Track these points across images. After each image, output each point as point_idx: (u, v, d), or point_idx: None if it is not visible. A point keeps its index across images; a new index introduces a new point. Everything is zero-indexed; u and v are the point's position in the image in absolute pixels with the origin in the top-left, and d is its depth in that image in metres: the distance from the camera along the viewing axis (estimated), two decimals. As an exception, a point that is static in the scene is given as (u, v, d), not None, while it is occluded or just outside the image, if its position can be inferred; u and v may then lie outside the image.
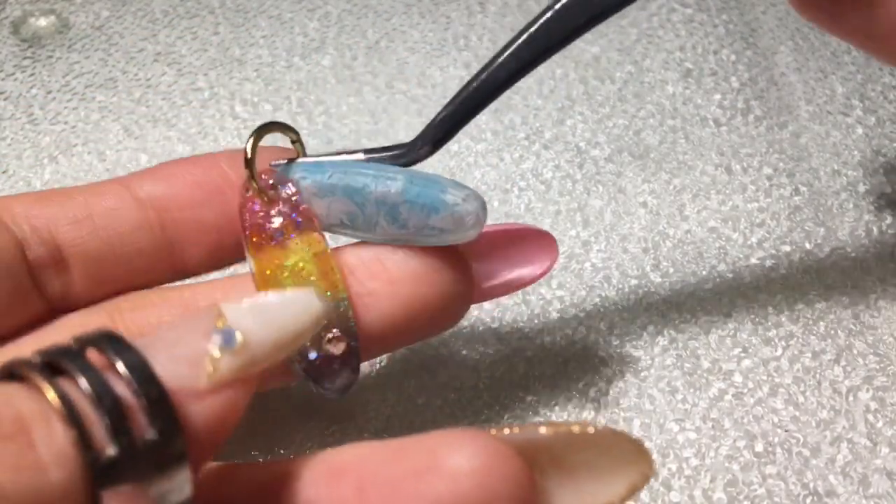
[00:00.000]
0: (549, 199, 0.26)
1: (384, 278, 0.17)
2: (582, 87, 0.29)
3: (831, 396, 0.21)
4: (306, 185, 0.17)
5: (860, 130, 0.27)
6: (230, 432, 0.13)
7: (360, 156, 0.18)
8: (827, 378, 0.21)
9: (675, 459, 0.20)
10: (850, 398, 0.21)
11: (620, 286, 0.23)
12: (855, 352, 0.22)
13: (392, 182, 0.17)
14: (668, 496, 0.19)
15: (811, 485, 0.19)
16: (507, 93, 0.30)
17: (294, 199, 0.17)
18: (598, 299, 0.23)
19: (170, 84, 0.29)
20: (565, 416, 0.21)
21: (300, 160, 0.18)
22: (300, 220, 0.17)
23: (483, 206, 0.17)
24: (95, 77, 0.30)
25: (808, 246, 0.24)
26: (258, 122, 0.28)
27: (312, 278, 0.17)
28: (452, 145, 0.27)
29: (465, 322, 0.23)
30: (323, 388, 0.17)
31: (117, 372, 0.12)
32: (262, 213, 0.17)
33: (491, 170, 0.26)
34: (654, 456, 0.20)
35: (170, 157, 0.27)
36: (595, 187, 0.26)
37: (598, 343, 0.22)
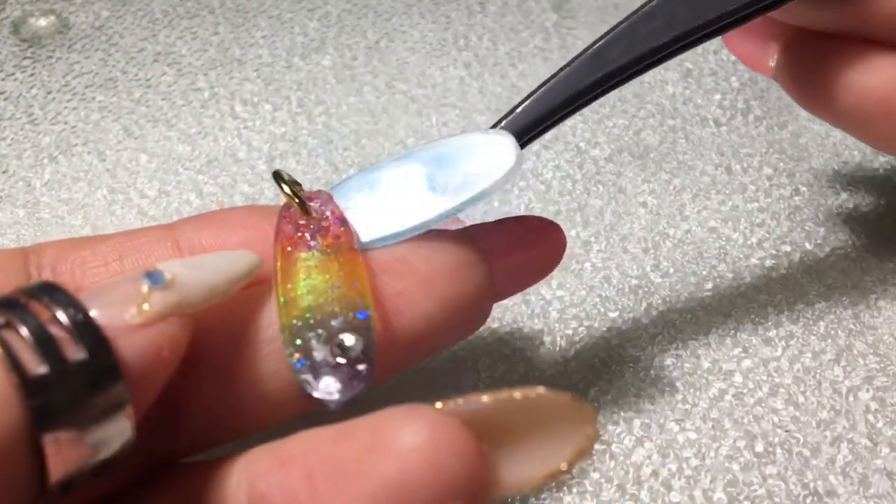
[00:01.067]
0: (549, 199, 0.26)
1: (416, 277, 0.16)
2: (582, 87, 0.29)
3: (831, 396, 0.21)
4: (342, 213, 0.17)
5: (860, 130, 0.27)
6: (168, 371, 0.13)
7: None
8: (827, 378, 0.21)
9: (674, 459, 0.20)
10: (851, 398, 0.21)
11: (620, 286, 0.23)
12: (855, 352, 0.22)
13: (414, 161, 0.17)
14: (668, 496, 0.19)
15: (811, 485, 0.19)
16: (507, 92, 0.30)
17: (331, 218, 0.17)
18: (597, 299, 0.23)
19: (170, 84, 0.29)
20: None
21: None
22: (336, 235, 0.16)
23: (517, 146, 0.16)
24: (95, 77, 0.29)
25: (808, 246, 0.24)
26: (258, 123, 0.28)
27: (338, 285, 0.16)
28: (452, 145, 0.27)
29: (465, 322, 0.23)
30: (322, 396, 0.14)
31: (58, 320, 0.12)
32: (299, 225, 0.17)
33: (491, 170, 0.26)
34: (654, 456, 0.20)
35: (170, 157, 0.27)
36: (595, 187, 0.26)
37: (598, 343, 0.22)
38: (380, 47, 0.30)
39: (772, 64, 0.20)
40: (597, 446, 0.20)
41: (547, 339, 0.22)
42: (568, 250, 0.24)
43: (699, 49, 0.29)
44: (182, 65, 0.30)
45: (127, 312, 0.13)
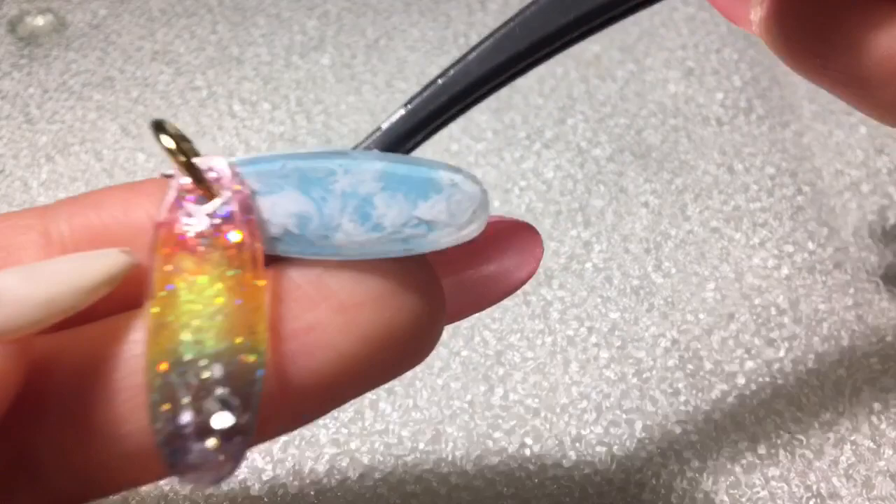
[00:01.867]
0: (550, 199, 0.25)
1: (331, 305, 0.12)
2: (583, 86, 0.28)
3: (834, 397, 0.21)
4: (247, 180, 0.12)
5: (863, 130, 0.27)
6: (3, 406, 0.11)
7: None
8: (830, 379, 0.21)
9: (677, 461, 0.20)
10: (854, 399, 0.21)
11: (622, 287, 0.23)
12: (858, 353, 0.22)
13: (368, 164, 0.12)
14: (670, 498, 0.19)
15: (814, 487, 0.19)
16: (508, 92, 0.30)
17: (235, 201, 0.12)
18: (599, 300, 0.23)
19: (167, 83, 0.29)
20: (567, 417, 0.21)
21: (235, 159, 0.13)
22: (237, 234, 0.12)
23: (486, 193, 0.13)
24: (93, 76, 0.29)
25: (810, 246, 0.24)
26: (256, 122, 0.28)
27: (226, 312, 0.12)
28: (452, 145, 0.27)
29: (465, 322, 0.22)
30: (182, 471, 0.11)
31: None
32: (188, 212, 0.12)
33: (491, 169, 0.26)
34: (656, 458, 0.20)
35: (167, 157, 0.27)
36: (596, 187, 0.26)
37: (600, 345, 0.22)
38: (379, 46, 0.30)
39: (754, 17, 0.17)
40: (599, 448, 0.20)
41: (548, 339, 0.22)
42: (569, 250, 0.24)
43: (701, 48, 0.29)
44: (180, 64, 0.30)
45: None
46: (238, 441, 0.11)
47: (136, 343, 0.12)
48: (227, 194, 0.12)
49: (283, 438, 0.20)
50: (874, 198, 0.25)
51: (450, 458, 0.20)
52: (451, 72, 0.13)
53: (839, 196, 0.25)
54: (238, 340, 0.12)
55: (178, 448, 0.11)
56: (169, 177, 0.13)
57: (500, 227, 0.14)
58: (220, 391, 0.11)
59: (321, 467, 0.20)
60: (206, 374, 0.11)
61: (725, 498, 0.19)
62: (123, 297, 0.12)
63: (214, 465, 0.11)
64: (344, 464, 0.20)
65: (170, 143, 0.12)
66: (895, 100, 0.15)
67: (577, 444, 0.20)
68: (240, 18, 0.31)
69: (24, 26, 0.31)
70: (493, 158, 0.26)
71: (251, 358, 0.11)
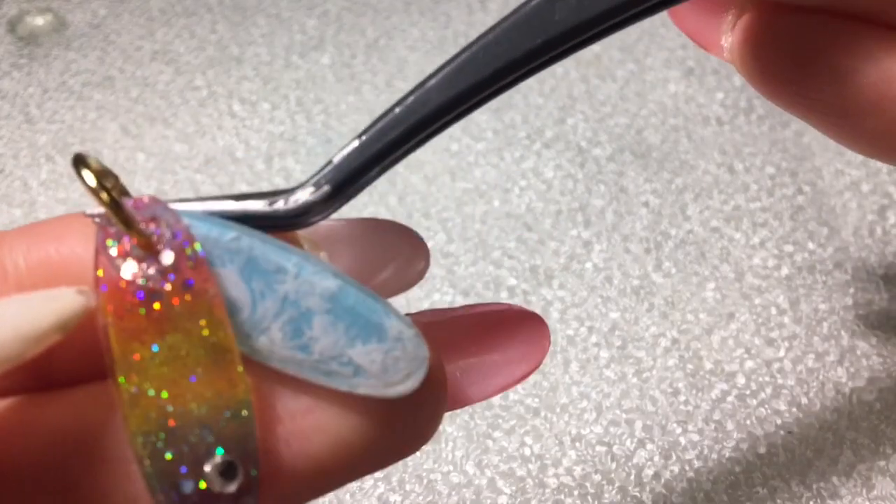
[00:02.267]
0: (550, 199, 0.25)
1: (321, 390, 0.11)
2: (583, 86, 0.28)
3: (834, 398, 0.21)
4: (194, 238, 0.11)
5: (863, 129, 0.27)
6: None
7: (229, 203, 0.12)
8: (830, 379, 0.21)
9: (677, 461, 0.20)
10: (854, 400, 0.21)
11: (622, 287, 0.23)
12: (858, 353, 0.22)
13: (322, 277, 0.11)
14: (670, 498, 0.19)
15: (814, 486, 0.19)
16: (508, 91, 0.30)
17: (176, 246, 0.11)
18: (599, 300, 0.23)
19: (167, 83, 0.29)
20: (567, 417, 0.21)
21: (177, 205, 0.12)
22: (188, 280, 0.11)
23: (426, 360, 0.11)
24: (92, 76, 0.29)
25: (811, 246, 0.24)
26: (256, 121, 0.28)
27: (199, 370, 0.11)
28: (452, 144, 0.27)
29: (465, 323, 0.22)
30: None
31: None
32: (128, 264, 0.11)
33: (491, 169, 0.26)
34: (657, 458, 0.20)
35: (167, 157, 0.27)
36: (596, 187, 0.26)
37: (600, 344, 0.22)
38: (379, 45, 0.30)
39: (725, 43, 0.16)
40: (599, 448, 0.20)
41: (548, 339, 0.22)
42: (569, 250, 0.24)
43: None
44: (180, 63, 0.30)
45: None
46: (249, 500, 0.11)
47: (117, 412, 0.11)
48: (166, 238, 0.11)
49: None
50: (874, 197, 0.25)
51: (450, 457, 0.20)
52: (409, 100, 0.12)
53: (839, 196, 0.25)
54: (221, 396, 0.11)
55: None
56: (94, 217, 0.11)
57: (507, 316, 0.14)
58: (218, 455, 0.11)
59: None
60: (195, 439, 0.11)
61: (725, 498, 0.19)
62: (83, 342, 0.11)
63: None
64: (344, 464, 0.20)
65: (92, 180, 0.11)
66: (875, 132, 0.15)
67: (577, 444, 0.20)
68: (240, 18, 0.31)
69: (24, 26, 0.31)
70: (493, 158, 0.26)
71: (240, 411, 0.11)
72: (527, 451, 0.20)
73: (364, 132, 0.12)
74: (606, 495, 0.19)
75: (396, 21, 0.31)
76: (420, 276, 0.14)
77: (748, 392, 0.21)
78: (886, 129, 0.15)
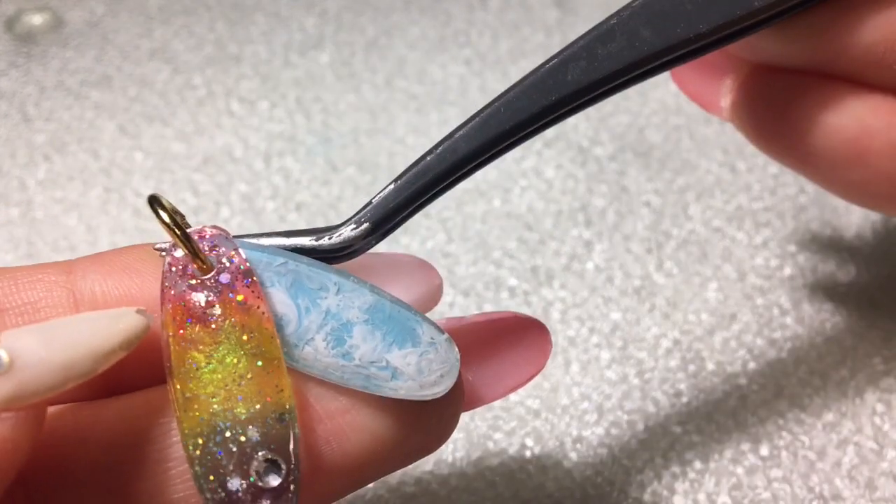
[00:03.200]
0: (551, 199, 0.25)
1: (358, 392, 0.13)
2: (584, 85, 0.28)
3: (837, 398, 0.21)
4: (247, 264, 0.13)
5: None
6: (11, 474, 0.11)
7: (281, 239, 0.13)
8: (833, 380, 0.21)
9: (678, 463, 0.20)
10: (857, 400, 0.21)
11: (623, 287, 0.23)
12: (861, 353, 0.21)
13: (359, 293, 0.13)
14: (672, 499, 0.19)
15: (817, 488, 0.19)
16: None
17: (233, 269, 0.13)
18: (600, 300, 0.23)
19: (165, 81, 0.29)
20: (567, 418, 0.20)
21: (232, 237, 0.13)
22: (242, 299, 0.13)
23: (458, 362, 0.13)
24: (90, 74, 0.29)
25: (813, 246, 0.24)
26: (255, 120, 0.28)
27: (249, 376, 0.12)
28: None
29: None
30: None
31: None
32: (190, 284, 0.13)
33: (492, 168, 0.26)
34: (658, 459, 0.20)
35: (165, 156, 0.27)
36: (598, 186, 0.25)
37: (601, 345, 0.22)
38: (379, 44, 0.30)
39: (724, 104, 0.18)
40: (600, 449, 0.20)
41: (549, 340, 0.22)
42: (570, 250, 0.24)
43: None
44: (178, 62, 0.29)
45: None
46: (289, 497, 0.12)
47: (169, 416, 0.12)
48: (223, 260, 0.13)
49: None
50: (877, 197, 0.25)
51: (450, 459, 0.20)
52: (439, 149, 0.14)
53: (842, 195, 0.25)
54: (267, 401, 0.12)
55: None
56: (162, 251, 0.13)
57: (513, 323, 0.15)
58: (261, 453, 0.12)
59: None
60: (243, 439, 0.12)
61: (728, 499, 0.19)
62: (141, 360, 0.13)
63: None
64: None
65: (167, 217, 0.13)
66: (859, 182, 0.16)
67: (578, 445, 0.20)
68: (238, 16, 0.31)
69: (22, 25, 0.31)
70: (494, 157, 0.26)
71: (284, 416, 0.12)
72: (527, 453, 0.20)
73: (399, 176, 0.14)
74: (608, 497, 0.19)
75: (396, 19, 0.31)
76: (435, 302, 0.15)
77: (750, 392, 0.21)
78: (870, 178, 0.16)
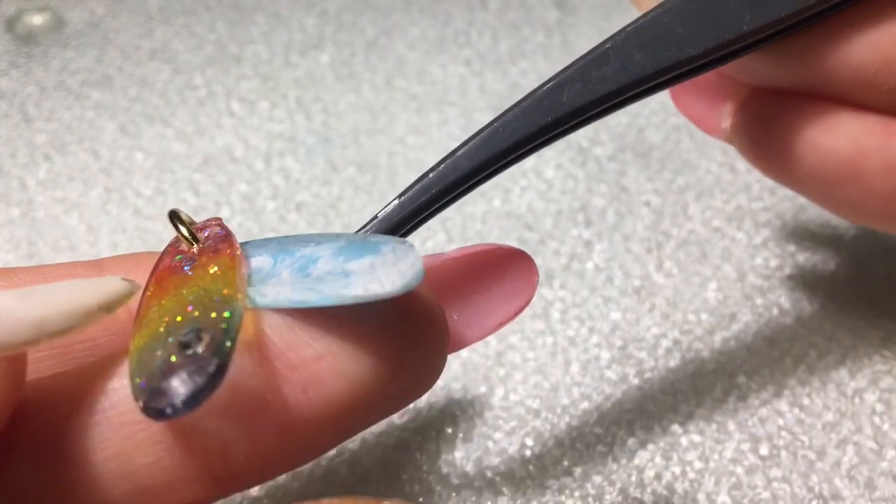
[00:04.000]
0: (551, 199, 0.25)
1: (342, 334, 0.12)
2: (583, 85, 0.28)
3: (837, 398, 0.21)
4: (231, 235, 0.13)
5: (865, 128, 0.26)
6: None
7: None
8: (832, 380, 0.21)
9: (678, 462, 0.20)
10: (856, 400, 0.21)
11: (623, 287, 0.23)
12: (861, 353, 0.21)
13: (336, 240, 0.13)
14: (671, 499, 0.19)
15: (816, 488, 0.19)
16: (508, 90, 0.30)
17: (213, 237, 0.13)
18: (600, 300, 0.23)
19: (166, 82, 0.29)
20: (567, 418, 0.20)
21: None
22: (215, 250, 0.13)
23: (418, 264, 0.12)
24: (90, 75, 0.29)
25: (813, 246, 0.24)
26: (255, 120, 0.28)
27: (199, 293, 0.12)
28: (452, 144, 0.27)
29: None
30: (155, 404, 0.11)
31: None
32: (177, 253, 0.13)
33: (491, 168, 0.26)
34: (658, 459, 0.20)
35: (166, 156, 0.27)
36: (597, 186, 0.26)
37: (601, 345, 0.22)
38: (379, 44, 0.30)
39: (725, 126, 0.18)
40: (599, 448, 0.20)
41: (549, 340, 0.22)
42: (570, 250, 0.24)
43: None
44: (178, 62, 0.29)
45: None
46: (212, 363, 0.11)
47: (118, 377, 0.12)
48: (207, 234, 0.13)
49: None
50: (877, 197, 0.25)
51: (449, 458, 0.20)
52: (441, 167, 0.15)
53: (841, 195, 0.25)
54: (214, 308, 0.12)
55: (150, 391, 0.11)
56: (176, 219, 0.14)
57: (496, 255, 0.14)
58: (187, 336, 0.11)
59: (319, 471, 0.20)
60: (176, 333, 0.12)
61: (727, 499, 0.19)
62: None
63: (183, 387, 0.11)
64: (343, 468, 0.20)
65: (186, 231, 0.13)
66: (855, 201, 0.17)
67: (578, 445, 0.20)
68: (238, 16, 0.31)
69: (22, 25, 0.31)
70: (494, 157, 0.26)
71: (224, 313, 0.12)
72: (527, 453, 0.20)
73: (403, 193, 0.15)
74: (607, 496, 0.19)
75: (396, 20, 0.31)
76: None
77: (750, 392, 0.21)
78: (865, 198, 0.16)
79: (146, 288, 0.13)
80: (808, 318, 0.22)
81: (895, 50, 0.15)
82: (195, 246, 0.13)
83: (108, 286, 0.12)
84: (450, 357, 0.22)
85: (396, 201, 0.14)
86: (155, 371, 0.11)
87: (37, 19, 0.31)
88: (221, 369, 0.11)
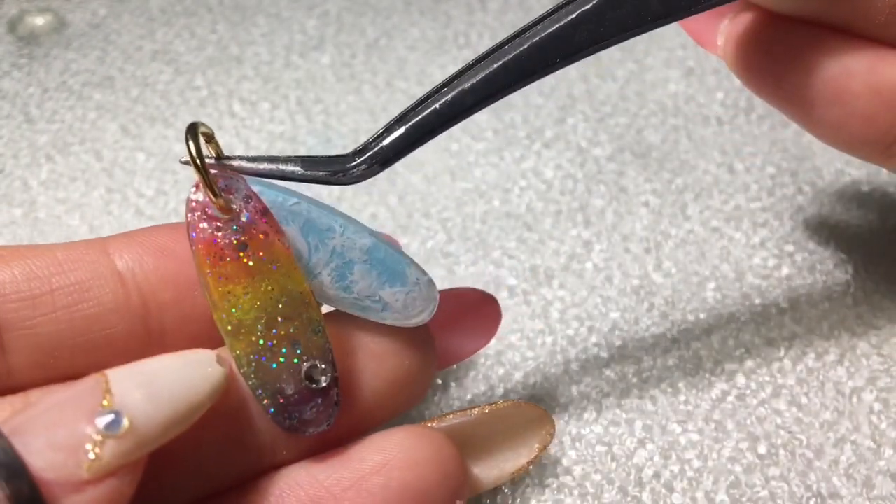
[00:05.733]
0: (550, 199, 0.25)
1: (365, 353, 0.15)
2: (583, 86, 0.28)
3: (835, 398, 0.21)
4: (263, 203, 0.15)
5: (863, 129, 0.27)
6: None
7: (295, 167, 0.15)
8: (830, 379, 0.21)
9: (677, 461, 0.20)
10: (854, 399, 0.21)
11: (622, 286, 0.23)
12: (858, 352, 0.22)
13: (360, 235, 0.15)
14: (670, 498, 0.19)
15: (814, 487, 0.19)
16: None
17: (251, 209, 0.14)
18: (599, 299, 0.23)
19: (167, 83, 0.29)
20: (567, 417, 0.21)
21: (249, 164, 0.15)
22: (264, 235, 0.14)
23: (436, 300, 0.16)
24: (92, 76, 0.29)
25: (811, 246, 0.24)
26: (256, 121, 0.28)
27: (284, 299, 0.14)
28: (452, 144, 0.27)
29: (465, 323, 0.22)
30: (302, 429, 0.14)
31: None
32: (216, 226, 0.14)
33: (491, 169, 0.26)
34: (656, 458, 0.20)
35: (167, 156, 0.27)
36: (596, 186, 0.26)
37: (600, 344, 0.22)
38: (379, 45, 0.30)
39: (720, 41, 0.19)
40: (599, 447, 0.20)
41: (548, 339, 0.22)
42: (569, 250, 0.24)
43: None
44: (180, 63, 0.30)
45: (73, 464, 0.11)
46: (334, 396, 0.14)
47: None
48: (241, 204, 0.14)
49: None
50: (875, 197, 0.25)
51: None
52: (447, 98, 0.15)
53: (840, 196, 0.25)
54: (303, 317, 0.14)
55: (290, 414, 0.14)
56: (186, 163, 0.14)
57: (471, 297, 0.18)
58: (307, 362, 0.14)
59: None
60: (287, 352, 0.14)
61: (726, 498, 0.19)
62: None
63: (321, 417, 0.14)
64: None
65: (193, 149, 0.14)
66: (836, 121, 0.17)
67: (578, 444, 0.20)
68: (240, 18, 0.31)
69: (25, 26, 0.31)
70: (493, 158, 0.26)
71: (319, 328, 0.14)
72: (527, 451, 0.20)
73: (408, 120, 0.15)
74: (606, 495, 0.19)
75: (396, 21, 0.31)
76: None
77: (748, 392, 0.21)
78: (846, 118, 0.17)
79: (198, 265, 0.14)
80: (805, 318, 0.22)
81: None
82: (230, 213, 0.14)
83: (214, 378, 0.13)
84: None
85: (403, 130, 0.15)
86: (288, 396, 0.14)
87: (39, 20, 0.31)
88: (339, 396, 0.15)
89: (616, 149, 0.27)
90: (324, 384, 0.14)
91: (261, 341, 0.14)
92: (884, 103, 0.16)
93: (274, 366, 0.14)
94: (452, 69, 0.29)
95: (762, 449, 0.20)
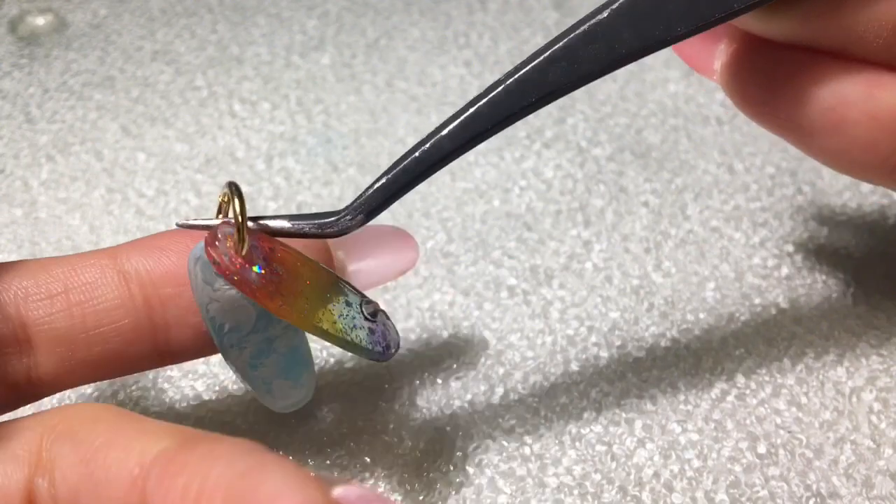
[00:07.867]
0: (550, 199, 0.25)
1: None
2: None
3: (834, 397, 0.21)
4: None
5: (863, 129, 0.27)
6: None
7: (285, 223, 0.16)
8: (830, 379, 0.21)
9: (676, 461, 0.20)
10: (854, 399, 0.21)
11: (622, 286, 0.23)
12: (858, 352, 0.22)
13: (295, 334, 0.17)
14: (670, 497, 0.19)
15: (814, 486, 0.19)
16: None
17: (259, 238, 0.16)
18: (599, 299, 0.23)
19: (168, 83, 0.29)
20: (567, 416, 0.21)
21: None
22: (282, 255, 0.16)
23: (306, 399, 0.18)
24: (93, 76, 0.29)
25: (811, 246, 0.24)
26: (257, 121, 0.28)
27: (331, 289, 0.17)
28: (452, 144, 0.27)
29: (465, 322, 0.22)
30: (393, 352, 0.17)
31: None
32: (252, 276, 0.16)
33: (491, 169, 0.26)
34: (656, 457, 0.20)
35: (168, 157, 0.27)
36: (596, 186, 0.26)
37: (600, 343, 0.22)
38: (379, 45, 0.30)
39: (716, 66, 0.19)
40: (599, 447, 0.20)
41: (548, 339, 0.22)
42: (569, 250, 0.24)
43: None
44: (180, 63, 0.30)
45: None
46: (386, 317, 0.18)
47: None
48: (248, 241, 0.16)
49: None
50: (874, 198, 0.25)
51: (449, 457, 0.20)
52: (426, 146, 0.16)
53: (839, 196, 0.25)
54: (347, 293, 0.17)
55: (384, 346, 0.17)
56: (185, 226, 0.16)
57: (385, 231, 0.20)
58: (369, 307, 0.17)
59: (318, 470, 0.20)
60: (357, 312, 0.17)
61: (725, 497, 0.19)
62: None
63: (396, 334, 0.18)
64: (345, 462, 0.20)
65: (238, 208, 0.15)
66: (836, 149, 0.17)
67: (577, 444, 0.20)
68: (240, 18, 0.31)
69: (25, 26, 0.31)
70: (493, 158, 0.26)
71: (344, 287, 0.17)
72: (526, 451, 0.20)
73: (389, 171, 0.16)
74: (606, 494, 0.19)
75: (397, 21, 0.31)
76: (412, 263, 0.20)
77: (748, 391, 0.21)
78: (846, 146, 0.17)
79: (256, 299, 0.15)
80: (805, 318, 0.22)
81: (886, 7, 0.15)
82: (256, 268, 0.16)
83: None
84: (449, 355, 0.22)
85: (384, 179, 0.16)
86: (369, 328, 0.17)
87: (39, 21, 0.31)
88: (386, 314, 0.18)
89: (616, 149, 0.27)
90: (381, 308, 0.17)
91: (338, 318, 0.16)
92: (883, 130, 0.16)
93: (356, 324, 0.17)
94: (453, 69, 0.29)
95: (762, 448, 0.20)
